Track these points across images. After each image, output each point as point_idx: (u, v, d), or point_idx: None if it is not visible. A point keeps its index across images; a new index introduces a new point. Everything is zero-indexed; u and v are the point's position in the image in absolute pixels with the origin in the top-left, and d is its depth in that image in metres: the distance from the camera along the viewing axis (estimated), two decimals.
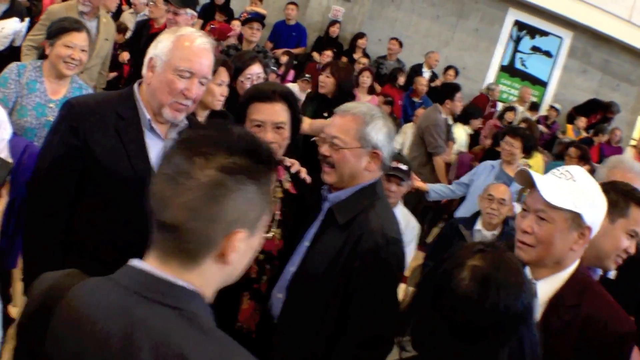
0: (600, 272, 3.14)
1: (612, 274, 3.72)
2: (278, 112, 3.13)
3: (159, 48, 2.91)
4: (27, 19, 8.07)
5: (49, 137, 3.04)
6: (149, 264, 1.58)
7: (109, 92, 3.18)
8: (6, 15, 7.41)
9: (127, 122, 2.91)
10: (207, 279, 1.60)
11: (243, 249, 1.60)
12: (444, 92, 8.78)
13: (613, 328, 2.47)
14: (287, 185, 3.27)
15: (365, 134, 2.85)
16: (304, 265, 2.91)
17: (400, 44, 13.26)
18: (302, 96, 10.69)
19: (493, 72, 15.24)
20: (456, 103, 8.66)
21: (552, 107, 14.58)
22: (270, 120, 3.10)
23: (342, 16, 13.43)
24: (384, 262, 2.72)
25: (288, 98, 3.19)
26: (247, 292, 3.09)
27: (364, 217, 2.79)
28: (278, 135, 3.12)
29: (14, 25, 7.40)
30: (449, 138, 9.04)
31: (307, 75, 10.81)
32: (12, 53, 8.24)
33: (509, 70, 15.34)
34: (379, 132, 2.87)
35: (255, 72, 4.94)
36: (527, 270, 2.59)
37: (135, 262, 1.60)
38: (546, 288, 2.58)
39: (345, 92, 6.11)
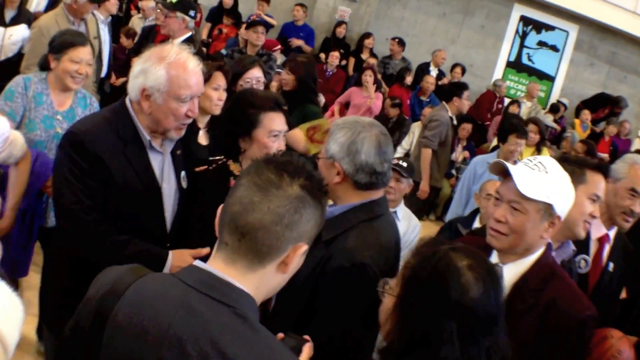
0: (573, 246, 3.23)
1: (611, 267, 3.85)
2: (284, 121, 3.32)
3: (152, 80, 2.94)
4: None
5: (63, 171, 3.00)
6: (211, 266, 1.78)
7: (104, 113, 3.16)
8: (14, 22, 7.44)
9: (130, 144, 3.04)
10: (264, 283, 1.80)
11: (297, 262, 1.85)
12: (451, 91, 8.77)
13: (575, 312, 2.55)
14: None
15: (327, 144, 2.80)
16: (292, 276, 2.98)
17: (401, 43, 13.30)
18: None
19: (500, 69, 15.26)
20: (463, 101, 8.63)
21: (559, 102, 14.59)
22: (284, 130, 3.29)
23: (349, 17, 13.50)
24: (344, 286, 2.59)
25: (282, 106, 3.35)
26: None
27: (344, 237, 2.67)
28: (283, 142, 3.31)
29: (23, 32, 7.44)
30: (455, 137, 9.10)
31: None
32: (20, 59, 8.37)
33: (516, 65, 15.35)
34: (335, 142, 2.75)
35: (255, 76, 4.98)
36: (494, 255, 2.73)
37: (198, 263, 1.80)
38: (512, 272, 2.66)
39: (305, 87, 5.99)
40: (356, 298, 2.59)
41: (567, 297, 2.60)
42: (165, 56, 2.96)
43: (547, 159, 2.73)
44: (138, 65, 2.99)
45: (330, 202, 2.87)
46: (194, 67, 3.00)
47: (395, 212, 5.02)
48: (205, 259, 1.87)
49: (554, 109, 14.21)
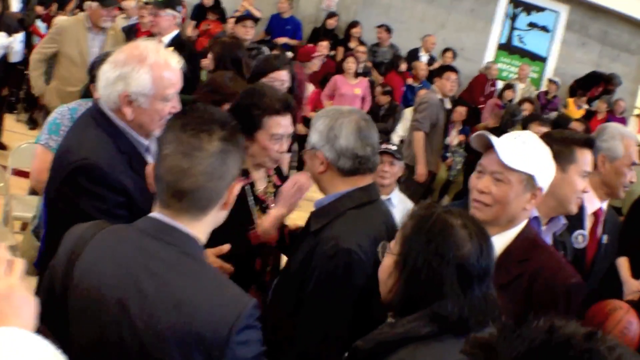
0: (564, 220, 3.22)
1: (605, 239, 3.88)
2: (289, 124, 3.24)
3: (134, 85, 2.78)
4: (20, 33, 8.10)
5: (79, 210, 2.72)
6: (167, 216, 2.03)
7: (92, 132, 2.90)
8: None
9: (132, 156, 2.88)
10: (209, 224, 2.10)
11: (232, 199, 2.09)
12: (435, 72, 8.80)
13: (561, 280, 2.61)
14: (274, 178, 3.42)
15: (309, 135, 2.83)
16: (286, 268, 2.95)
17: (388, 30, 13.25)
18: None
19: (491, 51, 15.20)
20: (443, 81, 8.60)
21: (551, 81, 14.55)
22: (287, 133, 3.23)
23: (336, 6, 13.43)
24: (328, 272, 2.60)
25: (292, 107, 3.26)
26: (254, 284, 3.17)
27: (330, 225, 2.69)
28: (287, 143, 3.26)
29: (1, 40, 7.45)
30: (448, 120, 9.06)
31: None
32: (7, 70, 8.35)
33: (507, 48, 15.31)
34: (315, 131, 2.79)
35: (281, 78, 4.88)
36: None
37: (153, 214, 2.06)
38: (496, 245, 2.55)
39: (224, 66, 5.52)
40: (341, 284, 2.59)
41: (551, 267, 2.64)
42: (144, 57, 2.81)
43: (526, 133, 2.79)
44: (112, 71, 2.81)
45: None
46: (174, 64, 2.91)
47: (389, 199, 5.04)
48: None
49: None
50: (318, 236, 2.68)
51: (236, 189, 2.10)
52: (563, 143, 3.19)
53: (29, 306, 1.59)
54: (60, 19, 6.66)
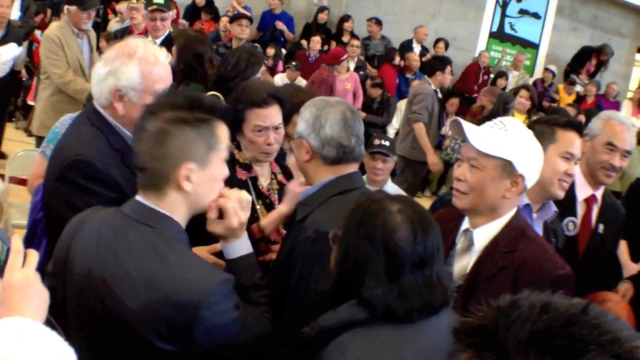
0: (554, 207, 3.21)
1: (601, 228, 3.85)
2: (275, 115, 3.27)
3: (124, 79, 2.80)
4: (25, 43, 8.12)
5: (69, 206, 2.72)
6: (142, 198, 2.17)
7: (85, 129, 2.92)
8: (3, 41, 7.42)
9: (125, 153, 2.84)
10: (175, 205, 2.16)
11: (197, 179, 2.14)
12: (434, 65, 8.75)
13: (547, 271, 2.52)
14: (280, 176, 3.45)
15: (296, 124, 2.83)
16: (275, 260, 2.98)
17: (378, 23, 13.23)
18: None
19: (483, 40, 15.22)
20: (446, 76, 8.66)
21: (547, 69, 14.59)
22: (271, 124, 3.25)
23: (327, 1, 13.46)
24: (312, 257, 2.60)
25: (280, 99, 3.31)
26: None
27: (312, 212, 2.70)
28: (277, 135, 3.27)
29: (13, 51, 7.44)
30: (441, 109, 9.09)
31: (293, 62, 10.88)
32: (12, 79, 8.34)
33: (499, 36, 15.32)
34: (302, 120, 2.79)
35: None
36: (466, 220, 2.72)
37: (136, 196, 2.20)
38: (483, 236, 2.64)
39: (186, 65, 5.52)
40: (325, 267, 2.53)
41: (537, 257, 2.56)
42: (133, 52, 2.84)
43: (508, 119, 2.73)
44: (103, 67, 2.85)
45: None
46: (163, 59, 2.94)
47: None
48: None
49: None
50: (301, 224, 2.69)
51: (184, 169, 2.12)
52: (546, 124, 3.22)
53: (41, 298, 1.65)
54: (47, 30, 6.61)
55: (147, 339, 2.05)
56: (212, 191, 2.27)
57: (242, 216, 2.45)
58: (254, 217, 3.19)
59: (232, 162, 3.28)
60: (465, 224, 2.73)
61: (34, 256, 1.69)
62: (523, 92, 9.39)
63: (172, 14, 6.70)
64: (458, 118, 2.70)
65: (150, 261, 2.06)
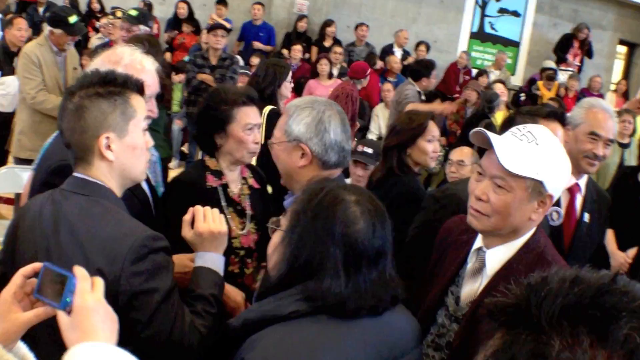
0: None
1: (586, 218, 3.84)
2: (258, 114, 3.30)
3: None
4: None
5: None
6: (77, 171, 2.29)
7: None
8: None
9: None
10: (105, 174, 2.26)
11: (118, 147, 2.25)
12: (419, 70, 8.73)
13: None
14: (251, 181, 3.42)
15: (287, 127, 2.74)
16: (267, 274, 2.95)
17: (366, 27, 13.26)
18: None
19: (464, 41, 15.27)
20: (431, 80, 8.71)
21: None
22: (257, 123, 3.26)
23: (307, 9, 13.46)
24: None
25: (255, 100, 3.31)
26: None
27: None
28: (259, 134, 3.28)
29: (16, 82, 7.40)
30: None
31: None
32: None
33: (480, 36, 15.39)
34: (299, 123, 2.71)
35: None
36: (479, 238, 2.45)
37: (73, 173, 2.30)
38: (496, 258, 2.36)
39: None
40: None
41: None
42: (119, 59, 2.90)
43: (538, 128, 2.34)
44: None
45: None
46: (149, 65, 2.97)
47: None
48: None
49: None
50: None
51: (103, 138, 2.22)
52: (528, 115, 3.17)
53: (113, 321, 1.65)
54: (25, 48, 6.54)
55: None
56: (136, 159, 2.34)
57: (213, 227, 2.49)
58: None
59: (202, 169, 3.28)
60: (479, 242, 2.44)
61: (100, 282, 1.69)
62: (498, 86, 9.42)
63: (143, 29, 6.67)
64: (483, 129, 2.31)
65: (85, 224, 2.15)
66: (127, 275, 2.09)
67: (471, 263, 2.44)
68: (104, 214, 2.19)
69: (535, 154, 2.22)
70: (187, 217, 2.53)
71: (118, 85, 2.27)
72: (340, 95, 8.01)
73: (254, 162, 3.82)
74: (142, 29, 6.62)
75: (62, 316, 1.62)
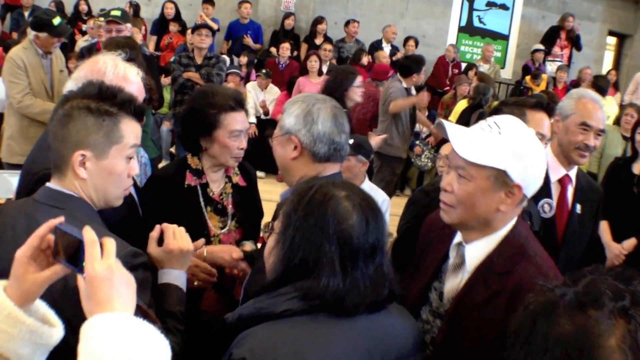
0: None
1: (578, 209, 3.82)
2: (245, 120, 3.26)
3: None
4: None
5: None
6: (52, 182, 2.24)
7: None
8: None
9: None
10: (77, 188, 2.20)
11: (93, 168, 2.18)
12: (410, 67, 8.68)
13: None
14: (236, 179, 3.38)
15: (281, 121, 2.79)
16: (258, 266, 2.91)
17: (357, 23, 13.26)
18: (261, 93, 10.73)
19: (453, 35, 15.25)
20: (421, 76, 8.67)
21: (536, 50, 14.54)
22: (245, 128, 3.23)
23: (294, 6, 13.42)
24: None
25: (243, 104, 3.28)
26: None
27: None
28: (245, 139, 3.24)
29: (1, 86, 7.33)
30: (414, 110, 9.07)
31: (263, 71, 10.84)
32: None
33: (468, 30, 15.37)
34: (290, 115, 2.74)
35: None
36: (459, 234, 2.42)
37: (47, 183, 2.25)
38: (475, 253, 2.33)
39: None
40: None
41: (535, 283, 2.08)
42: (102, 73, 2.88)
43: (505, 118, 2.34)
44: (74, 86, 2.81)
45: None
46: (134, 77, 2.96)
47: None
48: None
49: None
50: None
51: (84, 158, 2.16)
52: (514, 106, 3.15)
53: (129, 285, 1.59)
54: (10, 52, 6.49)
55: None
56: (111, 184, 2.26)
57: (182, 244, 2.47)
58: (202, 222, 3.19)
59: (183, 167, 3.26)
60: (459, 237, 2.42)
61: (111, 243, 1.61)
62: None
63: (129, 26, 6.65)
64: (442, 120, 2.37)
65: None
66: None
67: (452, 258, 2.42)
68: (77, 224, 2.07)
69: (497, 144, 2.21)
70: (154, 234, 2.51)
71: (114, 105, 2.21)
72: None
73: None
74: (129, 27, 6.61)
75: (80, 282, 1.57)
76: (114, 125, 2.19)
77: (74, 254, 1.61)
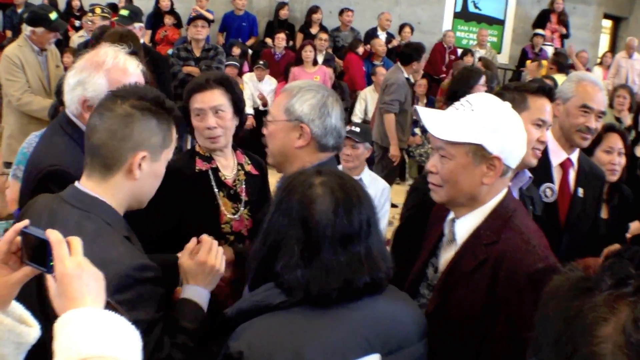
0: (529, 173, 3.13)
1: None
2: (214, 98, 3.20)
3: (91, 90, 2.82)
4: None
5: None
6: (80, 182, 2.25)
7: (57, 138, 2.97)
8: None
9: None
10: (118, 189, 2.22)
11: (146, 169, 2.22)
12: (410, 55, 8.64)
13: (525, 265, 2.22)
14: (248, 167, 3.38)
15: (290, 106, 2.72)
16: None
17: (348, 11, 13.21)
18: (259, 84, 10.69)
19: (448, 21, 15.21)
20: (422, 63, 8.67)
21: (536, 34, 14.46)
22: (209, 106, 3.18)
23: None
24: None
25: (224, 83, 3.24)
26: None
27: None
28: (220, 119, 3.18)
29: None
30: (414, 98, 9.05)
31: (261, 62, 10.81)
32: None
33: (464, 15, 15.33)
34: (303, 103, 2.70)
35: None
36: (452, 211, 2.49)
37: (75, 183, 2.26)
38: (465, 227, 2.41)
39: None
40: None
41: (517, 249, 2.26)
42: (101, 63, 2.87)
43: (476, 96, 2.45)
44: (73, 77, 2.88)
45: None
46: (133, 69, 2.94)
47: (360, 179, 5.03)
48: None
49: None
50: None
51: (140, 158, 2.19)
52: (516, 91, 3.14)
53: (98, 280, 1.61)
54: (6, 50, 6.47)
55: None
56: (153, 187, 2.34)
57: (216, 262, 2.47)
58: (215, 207, 3.19)
59: (192, 155, 3.28)
60: (452, 213, 2.50)
61: (77, 242, 1.64)
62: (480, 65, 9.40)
63: (137, 26, 6.67)
64: (416, 106, 2.50)
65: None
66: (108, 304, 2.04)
67: (446, 234, 2.50)
68: (96, 235, 2.10)
69: (470, 120, 2.31)
70: (190, 245, 2.50)
71: (166, 111, 2.29)
72: None
73: None
74: (138, 26, 6.66)
75: (50, 282, 1.60)
76: (169, 130, 2.29)
77: (41, 255, 1.63)
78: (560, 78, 9.36)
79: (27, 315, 1.75)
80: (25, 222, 1.69)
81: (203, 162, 3.23)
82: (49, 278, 1.60)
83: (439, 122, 2.36)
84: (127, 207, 2.30)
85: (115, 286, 2.00)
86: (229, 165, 3.30)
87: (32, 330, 1.73)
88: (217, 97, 3.20)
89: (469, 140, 2.29)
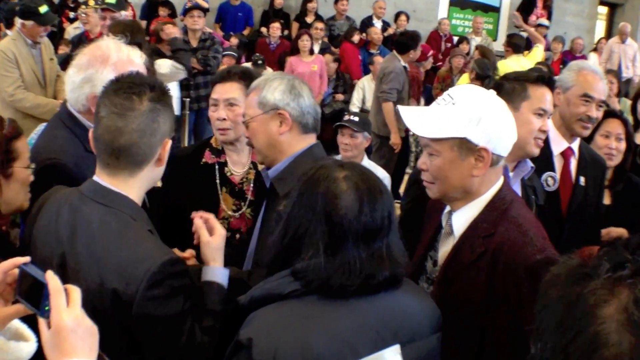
0: (530, 163, 3.11)
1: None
2: (229, 90, 3.21)
3: (101, 86, 2.62)
4: None
5: None
6: (100, 179, 2.25)
7: (57, 132, 2.98)
8: None
9: None
10: (145, 179, 2.29)
11: (164, 155, 2.30)
12: (406, 44, 8.62)
13: (523, 257, 2.24)
14: (261, 167, 3.31)
15: (262, 99, 2.73)
16: (257, 249, 2.86)
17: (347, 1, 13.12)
18: None
19: (444, 9, 15.18)
20: (418, 52, 8.67)
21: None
22: (222, 98, 3.20)
23: None
24: None
25: (245, 77, 3.23)
26: None
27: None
28: (230, 111, 3.18)
29: None
30: (410, 84, 9.03)
31: (259, 61, 10.74)
32: None
33: (459, 3, 15.32)
34: (274, 91, 2.71)
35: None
36: (448, 205, 2.52)
37: (94, 177, 2.27)
38: (461, 219, 2.43)
39: None
40: None
41: (515, 241, 2.28)
42: (107, 57, 2.86)
43: (458, 89, 2.43)
44: (78, 74, 2.86)
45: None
46: (138, 59, 2.96)
47: None
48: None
49: None
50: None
51: (168, 145, 2.30)
52: (516, 81, 3.14)
53: (93, 336, 1.60)
54: (2, 44, 6.43)
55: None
56: (162, 170, 2.41)
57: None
58: (214, 201, 3.20)
59: (203, 147, 3.34)
60: (448, 207, 2.52)
61: (76, 292, 1.62)
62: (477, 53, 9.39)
63: (124, 14, 6.63)
64: (398, 106, 2.56)
65: (104, 239, 2.15)
66: (141, 299, 2.09)
67: (444, 227, 2.52)
68: (123, 232, 2.16)
69: (451, 114, 2.31)
70: (201, 223, 2.54)
71: (166, 93, 2.34)
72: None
73: None
74: (124, 14, 6.58)
75: (43, 327, 1.58)
76: (173, 115, 2.36)
77: (36, 296, 1.61)
78: (516, 59, 9.50)
79: (23, 329, 1.76)
80: (26, 258, 1.69)
81: (212, 155, 3.26)
82: (41, 322, 1.58)
83: (421, 120, 2.37)
84: (143, 194, 2.38)
85: (148, 283, 2.08)
86: (240, 161, 3.30)
87: (26, 345, 1.74)
88: (232, 90, 3.22)
89: (452, 134, 2.30)
